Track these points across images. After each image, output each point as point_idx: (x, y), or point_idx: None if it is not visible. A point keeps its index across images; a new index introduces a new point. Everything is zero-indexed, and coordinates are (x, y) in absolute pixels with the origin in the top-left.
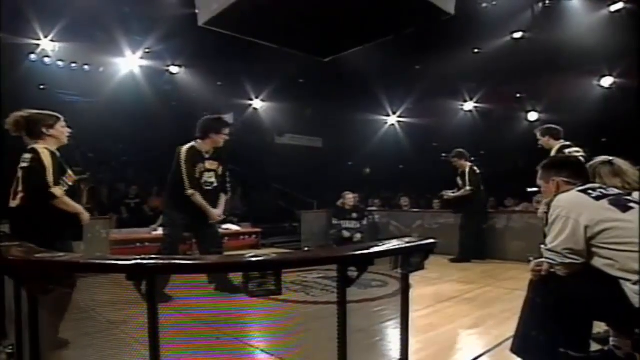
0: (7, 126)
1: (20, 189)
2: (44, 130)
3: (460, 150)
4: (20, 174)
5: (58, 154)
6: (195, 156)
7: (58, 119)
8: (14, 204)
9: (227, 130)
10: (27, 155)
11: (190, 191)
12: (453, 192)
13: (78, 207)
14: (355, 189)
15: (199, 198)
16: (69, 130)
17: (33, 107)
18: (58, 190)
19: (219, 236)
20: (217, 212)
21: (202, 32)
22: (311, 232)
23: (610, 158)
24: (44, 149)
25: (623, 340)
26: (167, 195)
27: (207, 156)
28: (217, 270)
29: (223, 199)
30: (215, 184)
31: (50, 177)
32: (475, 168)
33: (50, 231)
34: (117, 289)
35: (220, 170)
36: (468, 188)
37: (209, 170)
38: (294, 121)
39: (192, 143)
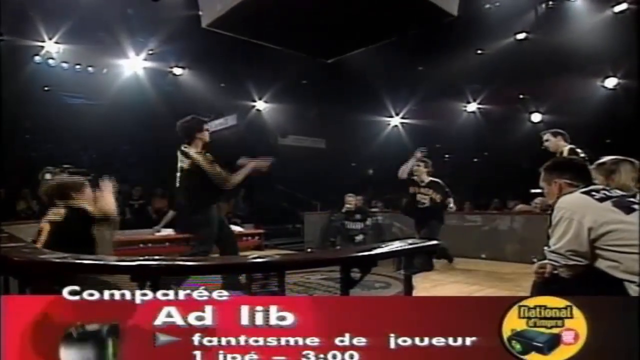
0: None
1: None
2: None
3: None
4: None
5: None
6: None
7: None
8: None
9: (206, 125)
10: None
11: (228, 185)
12: None
13: None
14: (358, 190)
15: (236, 176)
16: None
17: (38, 109)
18: None
19: (234, 235)
20: (254, 162)
21: (206, 33)
22: (314, 234)
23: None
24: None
25: None
26: (192, 199)
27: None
28: (220, 272)
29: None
30: None
31: None
32: None
33: None
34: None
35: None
36: None
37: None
38: (298, 122)
39: (188, 148)
